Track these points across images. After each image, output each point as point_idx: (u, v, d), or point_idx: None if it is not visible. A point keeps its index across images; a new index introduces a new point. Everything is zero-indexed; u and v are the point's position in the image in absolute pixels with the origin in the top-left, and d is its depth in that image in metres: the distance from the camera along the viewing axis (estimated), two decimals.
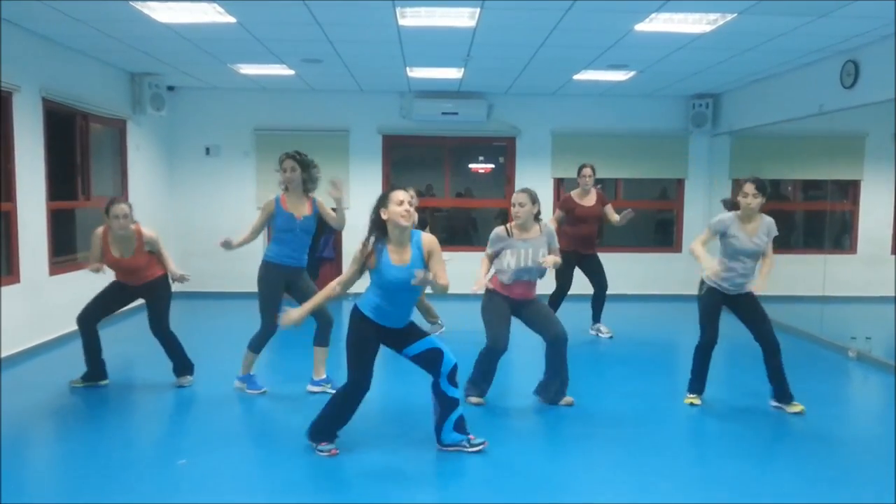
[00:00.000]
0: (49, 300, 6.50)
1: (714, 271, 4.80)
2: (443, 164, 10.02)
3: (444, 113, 9.30)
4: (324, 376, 5.18)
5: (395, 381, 5.42)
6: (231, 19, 5.81)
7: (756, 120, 8.52)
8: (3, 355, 5.81)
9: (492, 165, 11.37)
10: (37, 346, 6.33)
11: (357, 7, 5.46)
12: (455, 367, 4.01)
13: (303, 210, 4.97)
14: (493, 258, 4.97)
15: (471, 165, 11.27)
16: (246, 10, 5.59)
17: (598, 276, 7.23)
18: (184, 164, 9.54)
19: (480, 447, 4.08)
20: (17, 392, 5.18)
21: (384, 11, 5.56)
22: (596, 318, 7.38)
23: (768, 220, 4.86)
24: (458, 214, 11.71)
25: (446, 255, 4.16)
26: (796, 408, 4.91)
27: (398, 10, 5.54)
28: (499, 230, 4.97)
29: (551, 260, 4.84)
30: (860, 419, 5.20)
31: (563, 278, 7.08)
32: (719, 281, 4.89)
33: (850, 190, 8.98)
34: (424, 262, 3.86)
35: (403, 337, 4.02)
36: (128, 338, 6.59)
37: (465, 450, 4.06)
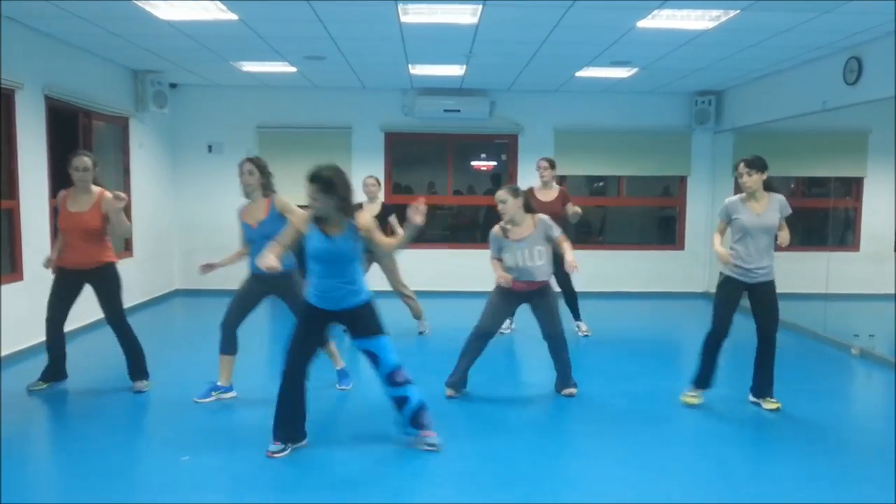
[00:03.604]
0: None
1: (721, 256, 4.77)
2: (445, 162, 10.02)
3: (446, 110, 9.29)
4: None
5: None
6: (233, 16, 5.81)
7: (759, 117, 8.51)
8: (6, 353, 5.83)
9: (494, 163, 11.36)
10: (39, 344, 6.32)
11: (359, 4, 5.46)
12: (393, 372, 4.02)
13: (258, 216, 4.81)
14: (498, 259, 5.03)
15: (473, 163, 11.26)
16: (248, 8, 5.59)
17: (561, 278, 6.80)
18: (186, 162, 9.55)
19: (430, 448, 4.04)
20: (20, 390, 5.18)
21: (386, 8, 5.56)
22: (575, 316, 7.19)
23: (779, 198, 4.77)
24: (462, 212, 11.71)
25: None
26: (772, 404, 4.89)
27: (400, 7, 5.53)
28: (495, 231, 5.02)
29: (572, 265, 4.84)
30: (862, 417, 5.19)
31: None
32: (733, 267, 4.78)
33: (853, 187, 8.96)
34: (360, 238, 3.92)
35: (352, 324, 4.05)
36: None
37: (419, 447, 4.06)
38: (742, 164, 4.75)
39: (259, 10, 5.67)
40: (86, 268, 5.05)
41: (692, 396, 4.98)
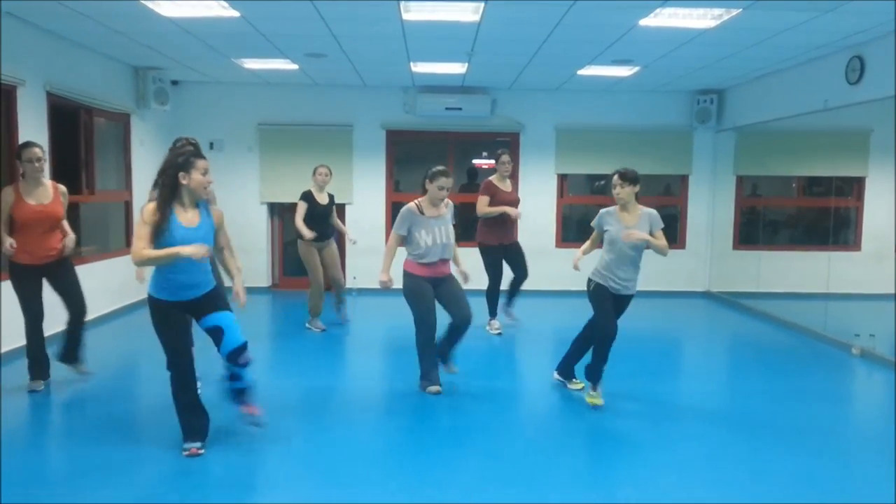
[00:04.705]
0: (53, 295, 6.48)
1: (575, 259, 4.99)
2: (446, 160, 10.01)
3: (447, 108, 9.29)
4: None
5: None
6: (235, 13, 5.81)
7: (760, 116, 8.50)
8: (5, 350, 5.82)
9: (495, 161, 11.35)
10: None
11: (361, 2, 5.45)
12: (238, 350, 3.91)
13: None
14: (404, 238, 5.06)
15: (475, 161, 11.24)
16: (250, 5, 5.59)
17: (519, 265, 7.21)
18: None
19: (255, 425, 4.09)
20: (20, 387, 5.18)
21: (388, 6, 5.56)
22: (508, 303, 7.37)
23: (649, 212, 4.87)
24: (463, 210, 11.67)
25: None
26: (576, 385, 5.14)
27: (402, 4, 5.53)
28: (410, 207, 5.07)
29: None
30: (863, 417, 5.20)
31: (494, 272, 7.18)
32: (604, 278, 4.85)
33: (854, 186, 8.97)
34: (214, 229, 3.95)
35: (202, 306, 3.94)
36: (130, 332, 6.60)
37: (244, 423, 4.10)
38: (616, 176, 4.82)
39: (261, 8, 5.66)
40: (50, 261, 5.07)
41: (582, 390, 5.06)
